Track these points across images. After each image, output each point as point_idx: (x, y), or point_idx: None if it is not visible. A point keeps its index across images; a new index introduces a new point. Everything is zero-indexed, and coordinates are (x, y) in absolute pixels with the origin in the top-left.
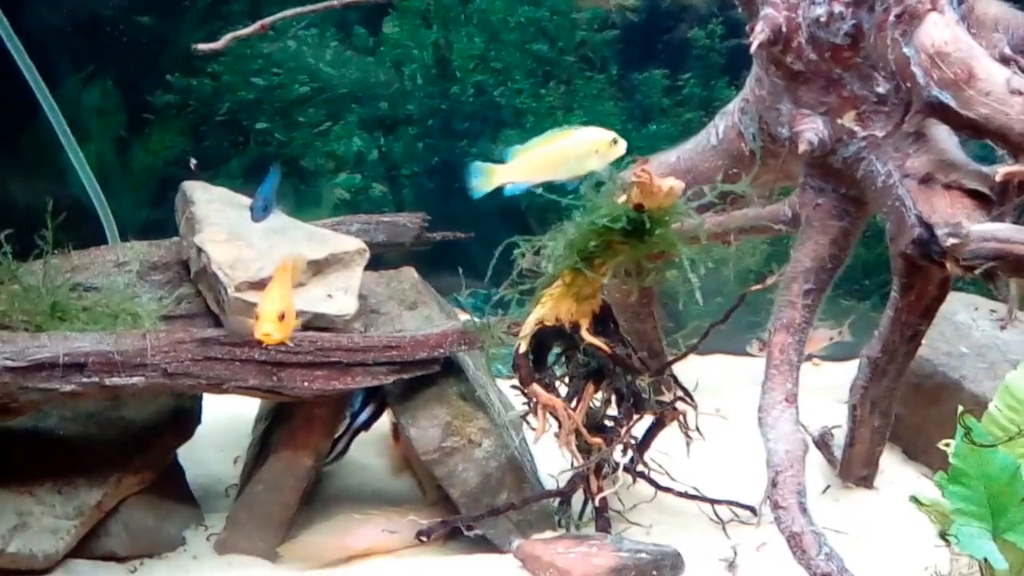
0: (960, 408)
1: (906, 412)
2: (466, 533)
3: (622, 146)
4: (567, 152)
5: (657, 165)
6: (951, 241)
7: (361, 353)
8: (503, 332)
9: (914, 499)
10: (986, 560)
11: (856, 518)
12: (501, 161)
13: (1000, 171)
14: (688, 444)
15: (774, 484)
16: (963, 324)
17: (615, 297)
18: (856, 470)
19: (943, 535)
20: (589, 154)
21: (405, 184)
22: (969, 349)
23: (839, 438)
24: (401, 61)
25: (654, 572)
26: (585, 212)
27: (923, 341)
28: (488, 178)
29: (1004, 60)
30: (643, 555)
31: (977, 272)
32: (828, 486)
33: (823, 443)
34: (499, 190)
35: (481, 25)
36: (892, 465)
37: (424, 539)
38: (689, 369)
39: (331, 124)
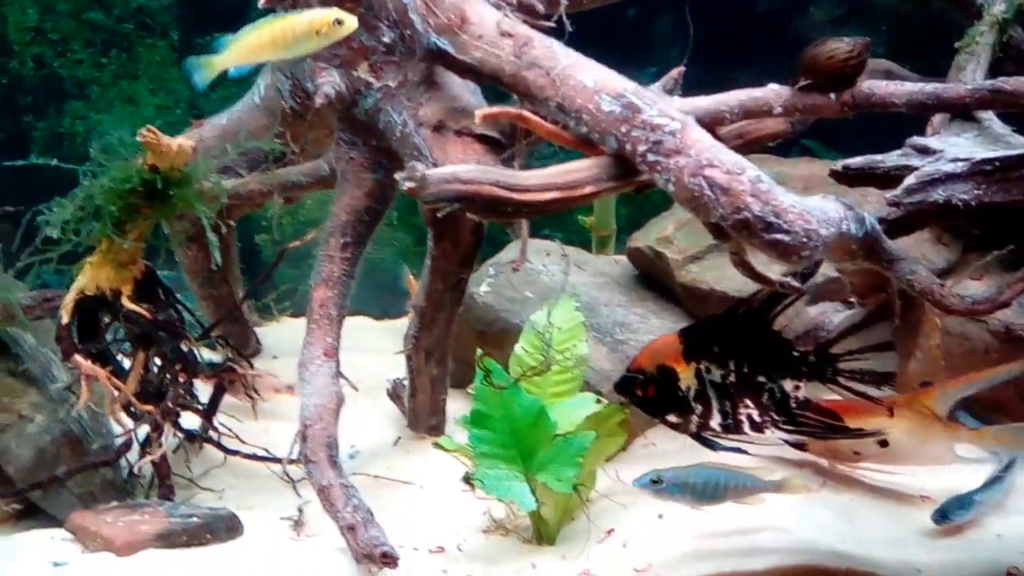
0: (478, 351)
1: (474, 360)
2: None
3: (348, 25)
4: (286, 32)
5: (210, 127)
6: (407, 184)
7: None
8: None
9: (437, 445)
10: None
11: (425, 468)
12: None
13: (478, 113)
14: (254, 406)
15: (304, 438)
16: (532, 270)
17: (186, 264)
18: (424, 420)
19: (467, 479)
20: (310, 34)
21: None
22: (534, 294)
23: None
24: None
25: (208, 535)
26: (98, 176)
27: (488, 288)
28: (208, 69)
29: (521, 5)
30: (194, 519)
31: (442, 213)
32: (399, 437)
33: (395, 395)
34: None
35: None
36: (465, 412)
37: None
38: (287, 332)
39: None
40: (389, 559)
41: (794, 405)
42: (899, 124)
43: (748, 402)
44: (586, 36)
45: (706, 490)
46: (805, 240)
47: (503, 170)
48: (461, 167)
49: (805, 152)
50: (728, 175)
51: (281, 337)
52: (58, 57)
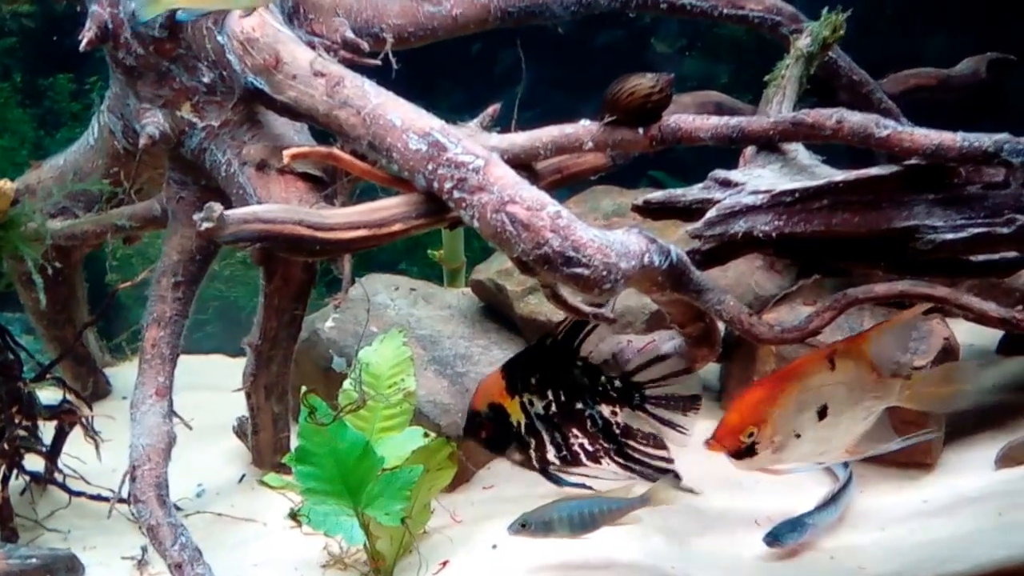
0: (302, 389)
1: (321, 396)
2: None
3: None
4: None
5: (48, 169)
6: (205, 225)
7: None
8: None
9: (263, 483)
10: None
11: (268, 505)
12: None
13: (286, 153)
14: (96, 446)
15: (133, 479)
16: (379, 304)
17: (29, 306)
18: (268, 457)
19: (293, 515)
20: None
21: None
22: (379, 328)
23: None
24: None
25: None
26: None
27: (332, 324)
28: (154, 4)
29: (346, 44)
30: (33, 560)
31: (247, 251)
32: (244, 475)
33: (241, 432)
34: None
35: None
36: None
37: None
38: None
39: None
40: None
41: (617, 432)
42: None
43: (576, 431)
44: (431, 71)
45: (576, 521)
46: (605, 273)
47: (307, 209)
48: (262, 207)
49: (653, 183)
50: (528, 211)
51: (132, 378)
52: None
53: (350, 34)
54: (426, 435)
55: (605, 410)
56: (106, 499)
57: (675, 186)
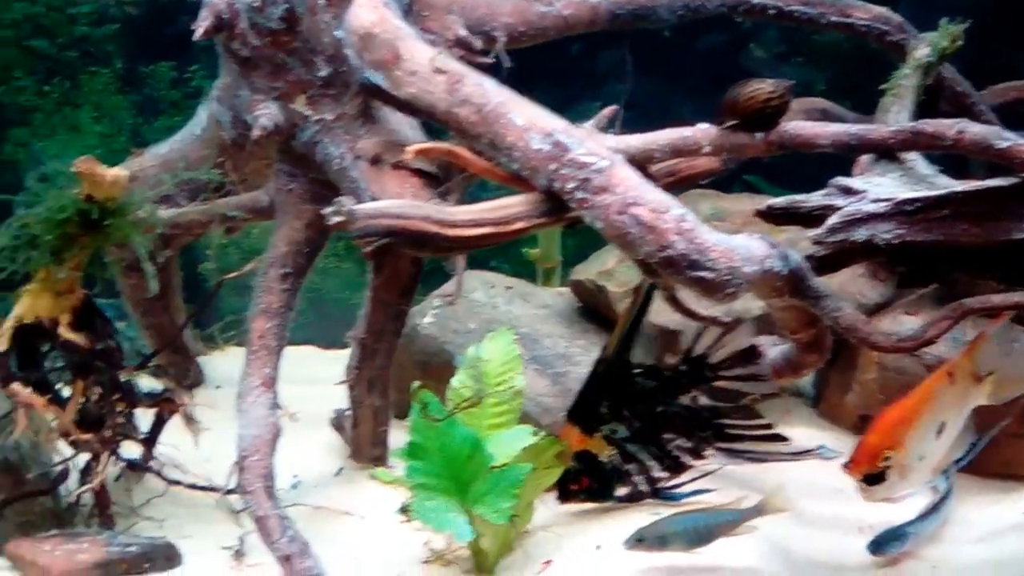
0: (414, 384)
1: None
2: None
3: None
4: None
5: (150, 157)
6: (335, 219)
7: None
8: None
9: (374, 476)
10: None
11: (366, 499)
12: None
13: (409, 149)
14: (195, 436)
15: (241, 470)
16: (478, 302)
17: (127, 293)
18: (367, 451)
19: (404, 509)
20: None
21: None
22: (477, 325)
23: None
24: None
25: (146, 564)
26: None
27: (431, 319)
28: None
29: (459, 41)
30: (133, 548)
31: (370, 249)
32: (341, 468)
33: (339, 425)
34: None
35: None
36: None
37: None
38: (231, 361)
39: None
40: None
41: (708, 415)
42: (840, 161)
43: (669, 435)
44: (532, 71)
45: (692, 535)
46: (728, 278)
47: (433, 205)
48: (391, 202)
49: (747, 188)
50: (653, 213)
51: (225, 367)
52: (0, 84)
53: (463, 32)
54: (535, 433)
55: (685, 400)
56: (202, 488)
57: (771, 191)
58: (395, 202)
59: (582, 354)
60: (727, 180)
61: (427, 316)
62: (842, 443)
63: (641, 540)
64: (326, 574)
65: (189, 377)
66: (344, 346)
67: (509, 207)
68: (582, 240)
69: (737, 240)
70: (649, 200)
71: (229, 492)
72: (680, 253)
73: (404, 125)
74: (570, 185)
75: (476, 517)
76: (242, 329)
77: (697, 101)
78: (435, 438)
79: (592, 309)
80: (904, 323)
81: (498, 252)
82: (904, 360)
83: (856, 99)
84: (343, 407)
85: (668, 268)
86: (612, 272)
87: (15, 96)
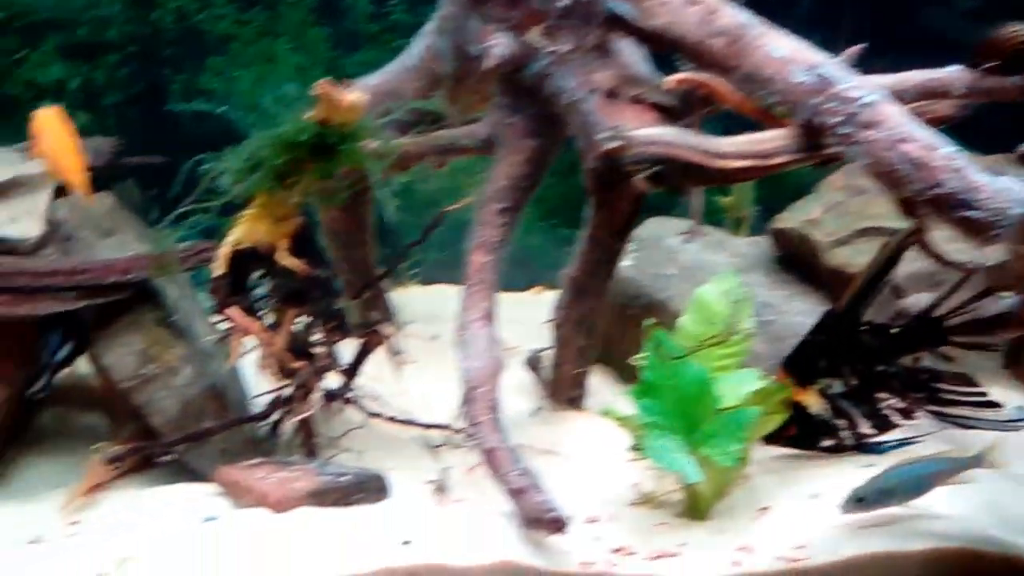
0: (645, 321)
1: (616, 334)
2: (158, 460)
3: None
4: None
5: (361, 87)
6: (613, 144)
7: (47, 277)
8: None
9: (607, 412)
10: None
11: (566, 439)
12: None
13: (669, 79)
14: (398, 369)
15: (467, 401)
16: (671, 247)
17: (327, 224)
18: (565, 391)
19: (636, 448)
20: None
21: (110, 113)
22: (676, 270)
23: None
24: None
25: (359, 494)
26: (269, 128)
27: (631, 262)
28: None
29: None
30: (345, 478)
31: (643, 176)
32: (539, 408)
33: (534, 365)
34: None
35: None
36: (604, 387)
37: (117, 464)
38: (416, 299)
39: (29, 51)
40: (558, 524)
41: (925, 377)
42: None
43: (883, 395)
44: None
45: (911, 486)
46: (996, 219)
47: (699, 136)
48: (663, 129)
49: None
50: (924, 150)
51: (411, 304)
52: (200, 12)
53: None
54: (762, 377)
55: (906, 361)
56: (402, 421)
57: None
58: (667, 129)
59: (785, 302)
60: None
61: (626, 259)
62: None
63: (861, 500)
64: (562, 512)
65: (382, 313)
66: (519, 290)
67: (770, 141)
68: (769, 191)
69: (1003, 181)
70: (919, 137)
71: (432, 427)
72: (950, 191)
73: (639, 59)
74: (834, 120)
75: (699, 459)
76: (425, 268)
77: (892, 52)
78: (667, 377)
79: (793, 258)
80: None
81: (681, 199)
82: None
83: None
84: (539, 348)
85: (936, 207)
86: (817, 221)
87: (214, 24)
